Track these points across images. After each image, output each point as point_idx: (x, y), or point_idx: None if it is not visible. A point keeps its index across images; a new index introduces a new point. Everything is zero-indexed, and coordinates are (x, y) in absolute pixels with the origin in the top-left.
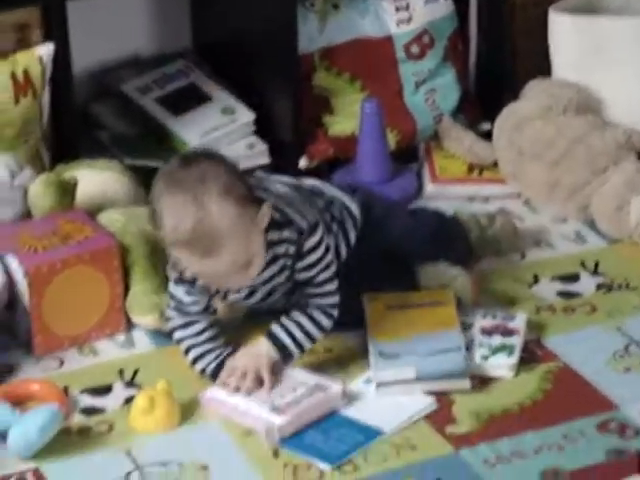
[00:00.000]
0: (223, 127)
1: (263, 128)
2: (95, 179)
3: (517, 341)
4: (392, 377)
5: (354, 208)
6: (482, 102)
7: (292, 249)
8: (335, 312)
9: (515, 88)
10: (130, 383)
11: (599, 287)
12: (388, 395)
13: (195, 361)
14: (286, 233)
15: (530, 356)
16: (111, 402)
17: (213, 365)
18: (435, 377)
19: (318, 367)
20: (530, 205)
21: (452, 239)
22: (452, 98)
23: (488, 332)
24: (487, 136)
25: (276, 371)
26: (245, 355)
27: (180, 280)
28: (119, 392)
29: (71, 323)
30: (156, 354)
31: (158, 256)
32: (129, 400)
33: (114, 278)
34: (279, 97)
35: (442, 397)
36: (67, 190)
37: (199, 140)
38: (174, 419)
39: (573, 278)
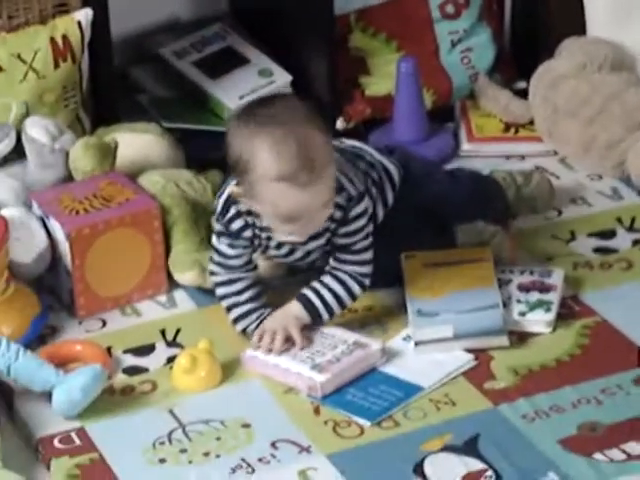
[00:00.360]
0: (261, 89)
1: (300, 90)
2: (135, 142)
3: (554, 297)
4: (430, 335)
5: (392, 170)
6: (517, 61)
7: (338, 214)
8: (367, 281)
9: (550, 46)
10: (172, 343)
11: (635, 243)
12: (426, 353)
13: (236, 320)
14: (337, 198)
15: (567, 312)
16: (153, 362)
17: (253, 326)
18: (473, 335)
19: (358, 324)
20: (566, 162)
21: (489, 198)
22: (488, 57)
23: (526, 288)
24: (523, 94)
25: (307, 332)
26: (275, 317)
27: (224, 233)
28: (161, 352)
29: (113, 284)
30: (197, 314)
31: (198, 216)
32: (171, 359)
33: (155, 239)
34: (316, 58)
35: (480, 353)
36: (107, 153)
37: (237, 102)
38: (216, 378)
39: (610, 234)
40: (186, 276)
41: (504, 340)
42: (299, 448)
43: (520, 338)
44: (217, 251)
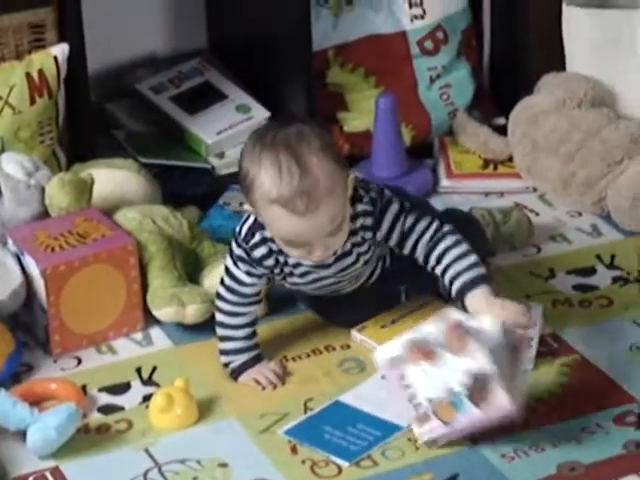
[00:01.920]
0: (239, 125)
1: None
2: (111, 178)
3: (534, 333)
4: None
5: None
6: (497, 97)
7: (369, 221)
8: (450, 227)
9: (529, 82)
10: (148, 381)
11: (615, 280)
12: None
13: (225, 353)
14: (361, 206)
15: (547, 350)
16: (129, 400)
17: (236, 365)
18: None
19: (336, 363)
20: (545, 199)
21: (469, 237)
22: (467, 93)
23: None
24: (502, 131)
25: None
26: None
27: (244, 260)
28: (137, 390)
29: (89, 322)
30: (174, 352)
31: (174, 252)
32: (147, 398)
33: (131, 276)
34: (294, 94)
35: None
36: (84, 189)
37: (214, 138)
38: (192, 417)
39: (589, 271)
40: (164, 312)
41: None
42: None
43: None
44: (231, 276)
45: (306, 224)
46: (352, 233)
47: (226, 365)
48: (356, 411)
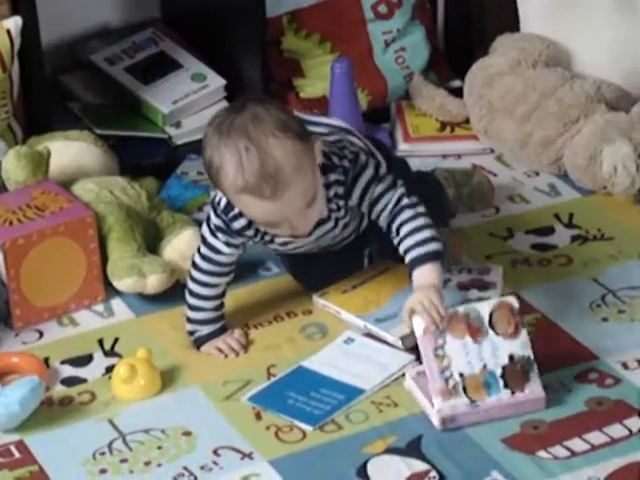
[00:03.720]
0: (194, 93)
1: (234, 93)
2: (68, 150)
3: (494, 294)
4: (408, 329)
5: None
6: (452, 59)
7: (341, 190)
8: (411, 200)
9: (484, 44)
10: (110, 352)
11: (574, 239)
12: (413, 346)
13: (192, 321)
14: (333, 176)
15: None
16: (92, 372)
17: (202, 334)
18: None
19: (299, 328)
20: (503, 160)
21: (431, 198)
22: (422, 56)
23: (465, 287)
24: (458, 93)
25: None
26: (416, 296)
27: (222, 229)
28: (99, 361)
29: (49, 295)
30: (135, 323)
31: (133, 222)
32: (110, 369)
33: (90, 247)
34: (249, 62)
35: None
36: (40, 162)
37: (171, 107)
38: (155, 386)
39: (548, 231)
40: (124, 282)
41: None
42: (241, 454)
43: None
44: (208, 245)
45: (278, 206)
46: (328, 201)
47: (191, 333)
48: (319, 376)
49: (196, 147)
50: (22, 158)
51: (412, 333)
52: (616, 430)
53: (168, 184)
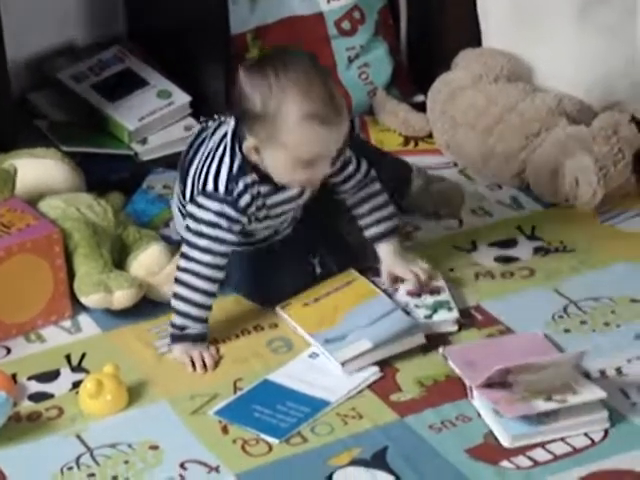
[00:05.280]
0: (160, 110)
1: (200, 109)
2: (34, 167)
3: (448, 296)
4: (351, 353)
5: None
6: (415, 74)
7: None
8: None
9: (447, 59)
10: (77, 368)
11: (536, 251)
12: (354, 372)
13: (186, 316)
14: None
15: (471, 321)
16: (59, 387)
17: (192, 332)
18: (390, 340)
19: (265, 342)
20: (466, 173)
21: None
22: (385, 72)
23: (416, 294)
24: (421, 108)
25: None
26: (397, 264)
27: (225, 215)
28: (67, 377)
29: (16, 311)
30: (102, 338)
31: (100, 239)
32: (77, 384)
33: (57, 264)
34: (214, 78)
35: (386, 366)
36: (7, 179)
37: (137, 124)
38: (122, 401)
39: (510, 243)
40: (91, 298)
41: (421, 337)
42: (208, 468)
43: (424, 349)
44: (209, 237)
45: (332, 134)
46: None
47: (181, 328)
48: (284, 389)
49: (163, 162)
50: None
51: (354, 358)
52: (579, 440)
53: (134, 198)
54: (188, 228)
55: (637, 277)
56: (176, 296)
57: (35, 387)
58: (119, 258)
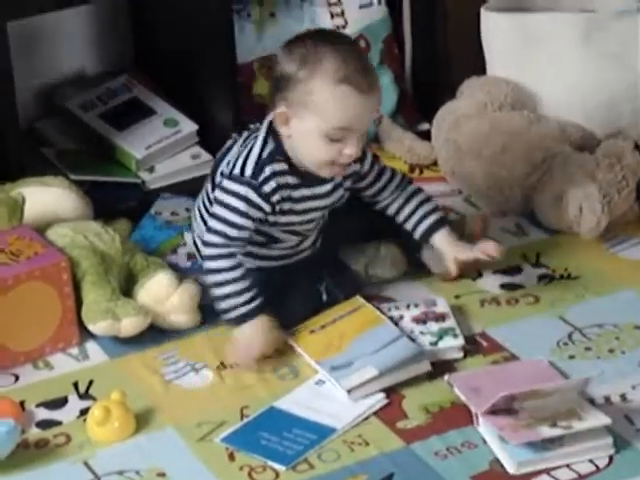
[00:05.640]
0: (167, 139)
1: (207, 138)
2: (43, 195)
3: (453, 323)
4: (357, 380)
5: None
6: (420, 103)
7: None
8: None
9: (451, 88)
10: (85, 395)
11: (541, 278)
12: (360, 399)
13: (228, 297)
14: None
15: (476, 348)
16: (67, 414)
17: (255, 305)
18: (396, 367)
19: (271, 369)
20: (471, 201)
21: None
22: (390, 100)
23: (421, 320)
24: (426, 136)
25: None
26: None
27: (247, 199)
28: (74, 404)
29: (25, 339)
30: (109, 365)
31: (107, 266)
32: (84, 411)
33: (65, 292)
34: (220, 107)
35: (392, 393)
36: (15, 208)
37: (144, 153)
38: (129, 428)
39: (515, 270)
40: (99, 326)
41: (427, 365)
42: None
43: (429, 376)
44: (227, 222)
45: (365, 103)
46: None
47: (228, 311)
48: (291, 416)
49: (170, 191)
50: None
51: (360, 385)
52: (584, 466)
53: (141, 224)
54: (212, 214)
55: None
56: (211, 286)
57: (43, 414)
58: (126, 286)
